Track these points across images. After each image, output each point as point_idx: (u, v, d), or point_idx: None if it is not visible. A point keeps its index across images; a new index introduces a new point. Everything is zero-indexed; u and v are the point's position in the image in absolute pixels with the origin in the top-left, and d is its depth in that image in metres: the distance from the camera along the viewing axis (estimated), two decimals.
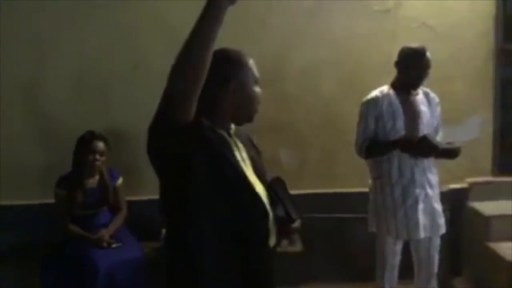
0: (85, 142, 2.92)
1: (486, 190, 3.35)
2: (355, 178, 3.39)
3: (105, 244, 2.86)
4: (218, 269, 1.28)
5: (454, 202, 3.42)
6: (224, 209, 1.28)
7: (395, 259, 2.63)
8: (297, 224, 1.47)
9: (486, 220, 3.16)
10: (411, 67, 2.49)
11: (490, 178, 3.43)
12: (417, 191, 2.51)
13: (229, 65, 1.38)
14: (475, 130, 3.46)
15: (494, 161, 3.47)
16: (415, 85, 2.55)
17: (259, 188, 1.38)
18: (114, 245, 2.88)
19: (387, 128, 2.52)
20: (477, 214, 3.27)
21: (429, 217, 2.55)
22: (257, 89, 1.43)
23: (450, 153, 2.51)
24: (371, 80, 3.31)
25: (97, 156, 2.91)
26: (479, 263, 3.26)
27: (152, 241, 3.09)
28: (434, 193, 2.57)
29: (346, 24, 3.34)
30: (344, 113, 3.39)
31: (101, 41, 3.23)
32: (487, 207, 3.25)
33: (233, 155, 1.37)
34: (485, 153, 3.45)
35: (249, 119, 1.44)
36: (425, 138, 2.39)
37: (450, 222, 3.42)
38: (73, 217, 2.93)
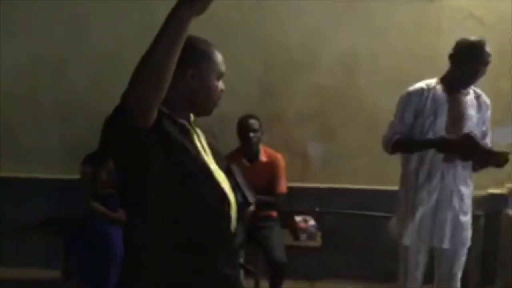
0: None
1: None
2: (383, 175, 3.24)
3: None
4: (179, 258, 1.27)
5: (492, 208, 3.22)
6: (184, 199, 1.27)
7: (418, 271, 2.40)
8: (251, 208, 1.49)
9: None
10: (468, 62, 2.25)
11: None
12: (440, 197, 2.32)
13: (192, 52, 1.33)
14: None
15: None
16: (469, 82, 2.32)
17: (220, 175, 1.38)
18: None
19: (426, 126, 2.30)
20: None
21: (451, 229, 2.35)
22: (219, 83, 1.38)
23: (497, 157, 2.18)
24: (410, 73, 3.13)
25: None
26: None
27: None
28: (462, 205, 2.35)
29: (385, 12, 3.17)
30: (377, 106, 3.24)
31: (131, 23, 3.23)
32: None
33: (193, 144, 1.35)
34: None
35: (206, 111, 1.40)
36: (468, 136, 2.15)
37: (485, 229, 3.23)
38: (97, 195, 2.99)
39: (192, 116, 1.41)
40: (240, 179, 1.47)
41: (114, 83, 3.35)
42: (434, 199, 2.32)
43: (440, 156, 2.30)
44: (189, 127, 1.37)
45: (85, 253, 2.91)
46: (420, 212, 2.34)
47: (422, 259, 2.40)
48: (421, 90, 2.35)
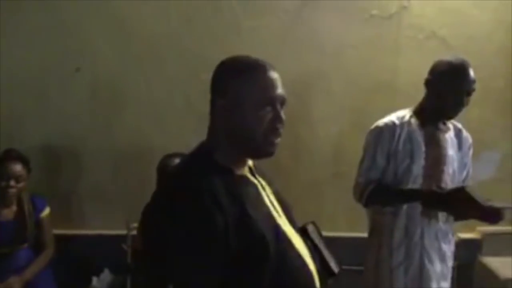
0: None
1: (504, 244, 2.71)
2: (343, 219, 2.79)
3: None
4: None
5: (463, 255, 2.79)
6: (267, 281, 1.02)
7: None
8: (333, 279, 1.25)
9: (501, 284, 2.51)
10: (450, 89, 1.82)
11: (508, 228, 2.77)
12: (421, 261, 1.88)
13: (224, 75, 1.10)
14: (492, 167, 2.83)
15: None
16: (451, 114, 1.89)
17: (297, 240, 1.14)
18: None
19: (400, 171, 1.86)
20: (490, 273, 2.63)
21: None
22: (268, 112, 1.06)
23: (496, 214, 1.73)
24: (367, 101, 2.75)
25: (12, 182, 2.33)
26: None
27: None
28: (443, 269, 1.93)
29: (337, 31, 2.73)
30: (333, 139, 2.80)
31: (39, 40, 2.69)
32: (504, 266, 2.61)
33: (265, 206, 1.10)
34: (504, 196, 2.79)
35: (256, 152, 1.11)
36: (463, 190, 1.72)
37: (457, 280, 2.80)
38: None
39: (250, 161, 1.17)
40: (319, 242, 1.27)
41: (15, 116, 2.77)
42: (417, 264, 1.86)
43: (418, 207, 1.85)
44: (253, 180, 1.13)
45: None
46: (399, 282, 1.87)
47: None
48: (393, 126, 1.88)
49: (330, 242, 2.47)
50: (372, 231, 2.00)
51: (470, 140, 2.02)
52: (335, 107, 2.79)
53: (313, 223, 1.31)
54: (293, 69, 2.73)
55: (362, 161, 1.93)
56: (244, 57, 1.12)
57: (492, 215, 1.72)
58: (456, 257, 2.70)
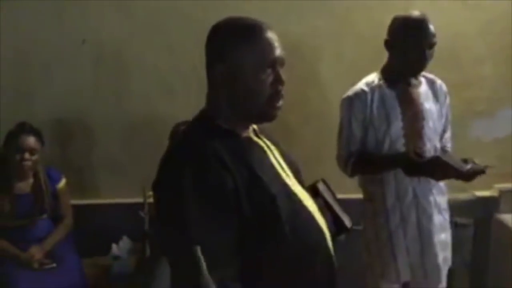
0: (12, 138, 2.35)
1: None
2: (351, 182, 2.76)
3: (36, 265, 2.30)
4: None
5: (481, 213, 2.78)
6: (280, 242, 1.03)
7: None
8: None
9: None
10: (410, 45, 1.78)
11: None
12: (420, 220, 1.88)
13: (222, 39, 1.06)
14: (508, 124, 2.79)
15: None
16: (417, 70, 1.86)
17: (306, 198, 1.13)
18: (47, 267, 2.32)
19: (380, 135, 1.85)
20: (507, 230, 2.62)
21: (442, 255, 1.92)
22: (269, 74, 1.04)
23: (472, 176, 1.78)
24: (378, 62, 2.65)
25: (26, 155, 2.34)
26: None
27: (100, 256, 2.54)
28: (442, 221, 1.93)
29: None
30: None
31: (43, 13, 2.62)
32: None
33: (272, 167, 1.10)
34: None
35: (258, 117, 1.09)
36: (438, 159, 1.74)
37: (474, 239, 2.80)
38: (3, 229, 2.37)
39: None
40: (331, 199, 1.26)
41: (24, 90, 2.74)
42: (414, 225, 1.86)
43: None
44: (259, 142, 1.13)
45: None
46: (402, 248, 1.87)
47: None
48: (363, 93, 1.87)
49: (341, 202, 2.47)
50: (365, 199, 2.00)
51: (444, 88, 1.98)
52: (345, 69, 2.73)
53: (323, 180, 1.31)
54: (301, 30, 2.66)
55: (340, 133, 1.95)
56: (240, 19, 1.09)
57: (469, 176, 1.76)
58: (475, 213, 2.75)
